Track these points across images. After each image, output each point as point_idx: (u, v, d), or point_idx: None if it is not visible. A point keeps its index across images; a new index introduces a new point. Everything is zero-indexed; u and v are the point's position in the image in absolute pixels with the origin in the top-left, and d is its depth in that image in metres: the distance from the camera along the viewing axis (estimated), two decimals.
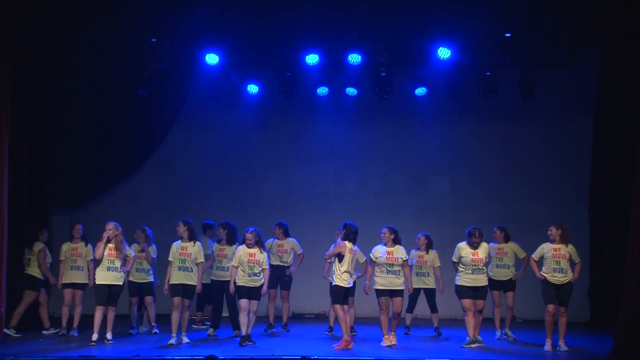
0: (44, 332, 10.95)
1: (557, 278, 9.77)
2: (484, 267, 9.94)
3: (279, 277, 11.22)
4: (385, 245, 9.96)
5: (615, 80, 12.04)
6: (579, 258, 9.89)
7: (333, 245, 10.09)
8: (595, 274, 12.66)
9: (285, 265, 11.24)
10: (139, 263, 10.87)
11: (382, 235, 10.01)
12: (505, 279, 10.74)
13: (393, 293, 9.89)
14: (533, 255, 10.08)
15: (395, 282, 9.88)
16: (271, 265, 10.93)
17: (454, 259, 10.09)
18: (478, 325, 9.98)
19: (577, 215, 12.86)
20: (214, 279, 10.75)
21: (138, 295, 11.03)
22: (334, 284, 9.79)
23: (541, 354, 9.69)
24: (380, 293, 9.92)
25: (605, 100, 12.60)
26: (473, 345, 9.88)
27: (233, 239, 10.65)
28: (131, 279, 10.88)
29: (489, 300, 10.28)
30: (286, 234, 11.32)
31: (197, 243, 10.12)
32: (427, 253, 10.98)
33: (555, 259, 9.78)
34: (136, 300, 11.04)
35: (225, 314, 10.93)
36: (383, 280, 9.88)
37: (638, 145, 9.40)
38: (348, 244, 9.76)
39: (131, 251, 10.33)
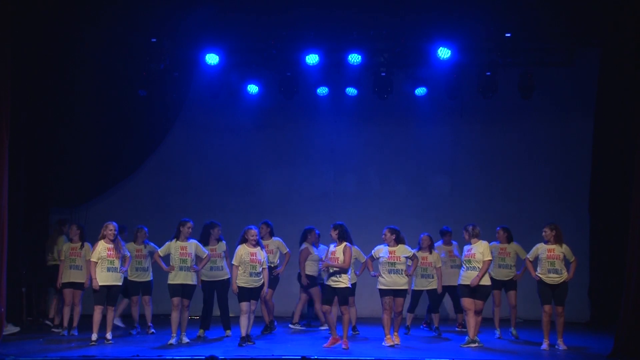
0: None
1: (552, 278, 9.81)
2: (478, 265, 9.87)
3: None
4: (387, 245, 9.97)
5: (615, 80, 12.03)
6: (573, 257, 9.94)
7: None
8: (595, 274, 12.65)
9: (272, 265, 11.03)
10: (138, 262, 10.88)
11: (383, 236, 10.03)
12: (506, 278, 10.77)
13: (396, 293, 9.90)
14: (528, 256, 10.15)
15: (399, 281, 9.88)
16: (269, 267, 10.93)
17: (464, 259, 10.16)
18: (477, 325, 9.98)
19: (577, 215, 12.86)
20: (205, 279, 10.61)
21: (139, 295, 11.04)
22: None
23: (540, 354, 9.70)
24: (383, 293, 9.92)
25: (605, 100, 12.57)
26: (472, 345, 9.89)
27: (219, 238, 10.69)
28: (131, 278, 10.89)
29: (489, 301, 10.27)
30: (271, 234, 11.25)
31: (195, 241, 10.13)
32: (431, 254, 10.96)
33: (550, 260, 9.82)
34: (137, 299, 11.05)
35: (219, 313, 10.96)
36: (386, 280, 9.89)
37: (638, 145, 9.41)
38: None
39: (127, 251, 10.34)
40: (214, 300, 10.75)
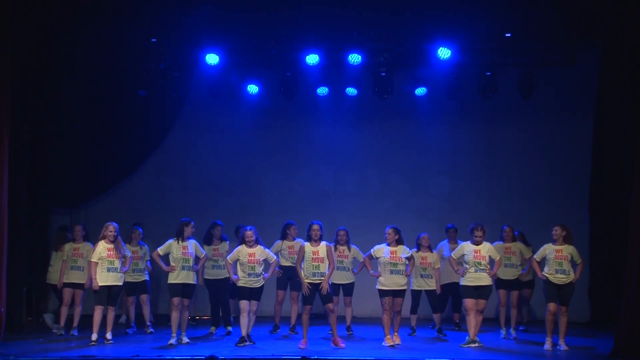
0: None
1: (560, 279, 9.81)
2: (487, 266, 9.92)
3: (290, 278, 10.98)
4: (389, 245, 9.97)
5: (616, 80, 12.02)
6: (580, 259, 9.93)
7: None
8: (595, 274, 12.64)
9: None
10: (134, 264, 10.93)
11: (386, 235, 10.01)
12: (512, 278, 10.81)
13: (396, 293, 9.90)
14: (535, 256, 10.13)
15: (399, 282, 9.88)
16: (282, 267, 10.82)
17: (453, 256, 10.11)
18: (478, 325, 9.98)
19: (577, 215, 12.83)
20: (209, 277, 10.77)
21: (135, 295, 11.10)
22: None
23: (541, 353, 9.69)
24: (383, 293, 9.92)
25: (605, 100, 12.57)
26: (473, 345, 9.88)
27: (221, 237, 10.84)
28: (127, 279, 10.91)
29: (491, 301, 10.26)
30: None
31: (194, 241, 10.13)
32: (431, 254, 10.94)
33: (558, 261, 9.82)
34: (133, 299, 11.10)
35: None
36: (386, 281, 9.89)
37: (638, 145, 9.40)
38: (307, 245, 9.80)
39: (128, 252, 10.35)
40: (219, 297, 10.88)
